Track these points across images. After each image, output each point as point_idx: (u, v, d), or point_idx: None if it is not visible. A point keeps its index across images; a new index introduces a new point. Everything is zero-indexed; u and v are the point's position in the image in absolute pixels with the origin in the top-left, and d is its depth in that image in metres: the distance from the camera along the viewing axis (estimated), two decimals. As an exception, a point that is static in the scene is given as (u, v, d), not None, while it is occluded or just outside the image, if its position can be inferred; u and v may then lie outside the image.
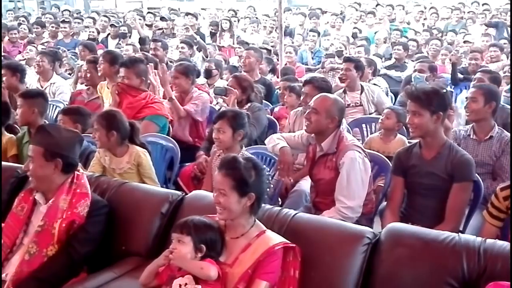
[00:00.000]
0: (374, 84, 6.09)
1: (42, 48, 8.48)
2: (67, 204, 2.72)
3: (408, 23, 11.52)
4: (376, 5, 12.17)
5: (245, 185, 2.41)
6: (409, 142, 4.15)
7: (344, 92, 5.49)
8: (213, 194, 2.48)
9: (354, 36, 9.90)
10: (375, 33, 10.20)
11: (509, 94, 5.19)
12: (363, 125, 5.17)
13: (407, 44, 8.38)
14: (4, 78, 5.19)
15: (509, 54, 7.56)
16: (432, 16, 11.67)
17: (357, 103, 5.44)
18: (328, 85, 4.35)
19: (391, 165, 3.59)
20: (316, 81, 4.33)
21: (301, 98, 4.39)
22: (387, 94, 6.13)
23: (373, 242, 2.46)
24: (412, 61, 7.92)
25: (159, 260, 2.43)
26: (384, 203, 3.58)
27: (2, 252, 2.73)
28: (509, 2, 10.09)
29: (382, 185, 3.78)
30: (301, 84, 4.71)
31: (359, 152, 3.39)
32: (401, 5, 12.21)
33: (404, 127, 4.44)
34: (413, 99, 3.23)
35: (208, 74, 6.35)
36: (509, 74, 5.89)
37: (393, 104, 5.81)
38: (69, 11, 14.06)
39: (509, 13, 9.92)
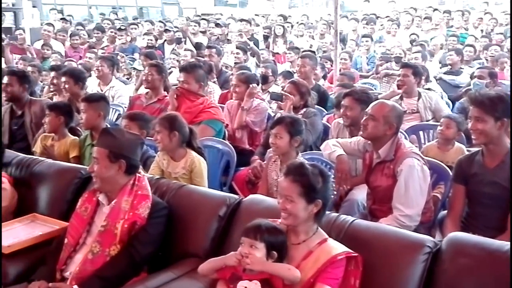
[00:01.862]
0: (428, 89, 5.98)
1: (102, 53, 8.77)
2: (129, 205, 2.78)
3: (466, 29, 11.27)
4: (434, 10, 11.95)
5: (313, 192, 2.40)
6: (468, 151, 4.06)
7: (401, 98, 5.41)
8: (278, 200, 2.47)
9: (412, 42, 9.75)
10: (431, 39, 10.02)
11: None
12: (420, 132, 5.08)
13: (461, 49, 8.18)
14: (67, 86, 5.37)
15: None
16: (491, 22, 11.37)
17: (414, 109, 5.36)
18: (368, 97, 4.21)
19: (450, 173, 3.52)
20: (356, 94, 4.22)
21: (341, 110, 4.28)
22: (442, 98, 6.00)
23: (434, 251, 2.42)
24: (470, 67, 7.76)
25: (227, 260, 2.41)
26: (443, 212, 3.51)
27: (67, 251, 2.82)
28: (510, 2, 9.80)
29: (438, 195, 3.71)
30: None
31: (418, 159, 3.34)
32: (460, 11, 11.94)
33: (463, 134, 4.34)
34: (477, 104, 3.14)
35: (265, 80, 6.40)
36: None
37: (451, 110, 5.70)
38: (123, 18, 14.57)
39: None
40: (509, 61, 7.47)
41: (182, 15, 17.22)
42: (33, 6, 16.77)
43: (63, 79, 5.41)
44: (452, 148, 4.30)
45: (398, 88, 5.48)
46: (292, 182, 2.41)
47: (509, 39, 9.67)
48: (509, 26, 10.95)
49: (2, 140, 3.77)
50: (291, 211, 2.40)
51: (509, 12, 11.39)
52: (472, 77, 6.47)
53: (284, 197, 2.43)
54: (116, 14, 16.15)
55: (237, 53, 8.06)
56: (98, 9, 18.43)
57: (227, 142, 4.62)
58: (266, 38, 10.75)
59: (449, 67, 7.79)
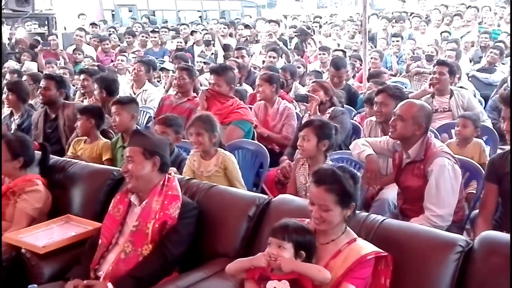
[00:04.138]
0: (461, 87, 5.90)
1: (133, 57, 8.90)
2: (159, 205, 2.82)
3: (499, 25, 11.05)
4: (468, 7, 11.72)
5: (348, 197, 2.40)
6: (501, 149, 4.00)
7: (432, 96, 5.34)
8: (309, 208, 2.44)
9: (444, 39, 9.62)
10: (461, 37, 9.87)
11: None
12: (452, 130, 5.00)
13: (503, 48, 8.02)
14: (95, 92, 5.46)
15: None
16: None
17: (446, 108, 5.28)
18: (402, 92, 4.23)
19: (482, 171, 3.47)
20: (389, 90, 4.20)
21: (374, 107, 4.28)
22: (474, 96, 5.91)
23: (466, 251, 2.39)
24: (503, 64, 7.62)
25: (256, 261, 2.41)
26: (476, 211, 3.46)
27: (100, 251, 2.87)
28: (510, 2, 9.58)
29: (474, 191, 3.66)
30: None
31: (449, 158, 3.29)
32: (488, 7, 11.70)
33: (497, 133, 4.27)
34: (509, 104, 3.09)
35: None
36: None
37: (484, 108, 5.62)
38: (151, 22, 14.92)
39: None
40: None
41: (260, 15, 17.76)
42: (129, 11, 18.39)
43: (95, 86, 5.50)
44: (470, 143, 4.34)
45: (431, 86, 5.39)
46: (327, 191, 2.37)
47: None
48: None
49: (45, 143, 3.85)
50: (325, 218, 2.38)
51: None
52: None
53: (318, 206, 2.39)
54: (148, 19, 16.42)
55: (273, 57, 7.96)
56: (185, 13, 19.75)
57: (259, 143, 4.62)
58: (292, 38, 10.78)
59: (484, 64, 7.66)
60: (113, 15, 18.32)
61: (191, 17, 18.59)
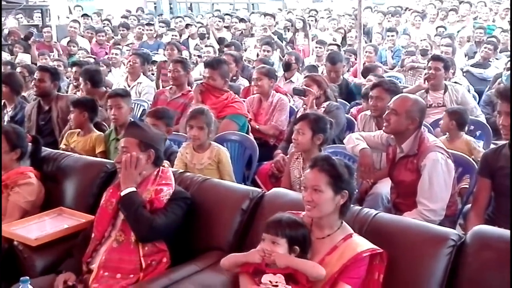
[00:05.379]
0: (455, 82, 5.91)
1: (127, 50, 8.86)
2: (150, 195, 2.81)
3: (493, 21, 11.06)
4: (460, 3, 11.74)
5: (340, 181, 2.39)
6: (494, 144, 4.00)
7: (426, 91, 5.36)
8: (303, 194, 2.45)
9: (440, 34, 9.62)
10: (457, 32, 9.88)
11: None
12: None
13: (497, 43, 8.04)
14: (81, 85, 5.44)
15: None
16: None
17: (440, 103, 5.29)
18: (397, 87, 4.26)
19: (475, 166, 3.48)
20: (385, 84, 4.22)
21: (370, 101, 4.29)
22: (469, 91, 5.93)
23: (458, 245, 2.40)
24: (497, 59, 7.64)
25: (250, 257, 2.40)
26: (469, 205, 3.47)
27: (93, 244, 2.86)
28: (510, 2, 9.61)
29: (467, 186, 3.67)
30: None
31: (442, 153, 3.30)
32: (482, 2, 11.72)
33: (490, 127, 4.28)
34: (506, 99, 3.08)
35: (287, 67, 6.42)
36: None
37: (478, 103, 5.63)
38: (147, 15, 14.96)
39: None
40: None
41: (286, 7, 17.95)
42: (169, 3, 18.72)
43: (81, 79, 5.49)
44: (459, 139, 4.36)
45: (427, 81, 5.39)
46: (320, 171, 2.39)
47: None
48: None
49: (37, 136, 3.84)
50: (317, 202, 2.38)
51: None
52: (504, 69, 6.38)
53: (310, 188, 2.40)
54: (143, 11, 16.37)
55: (268, 51, 7.97)
56: (219, 6, 20.05)
57: (249, 136, 4.63)
58: (286, 29, 10.80)
59: (478, 59, 7.68)
60: (155, 7, 18.80)
61: (224, 9, 18.79)
